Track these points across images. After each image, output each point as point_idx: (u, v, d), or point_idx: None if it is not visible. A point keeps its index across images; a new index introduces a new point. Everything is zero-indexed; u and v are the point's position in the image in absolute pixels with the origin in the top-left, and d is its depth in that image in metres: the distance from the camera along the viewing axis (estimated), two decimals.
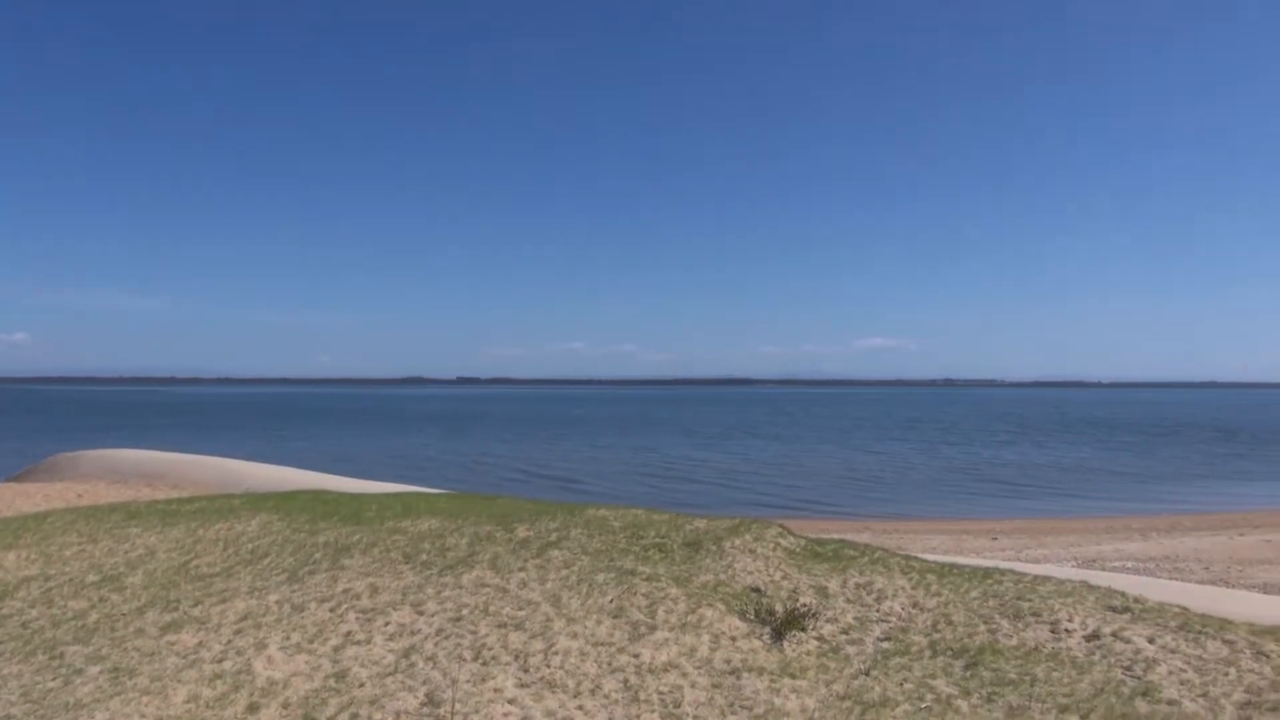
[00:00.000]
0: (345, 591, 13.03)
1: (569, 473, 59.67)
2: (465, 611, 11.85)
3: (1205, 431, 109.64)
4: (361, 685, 9.79)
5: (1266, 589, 20.98)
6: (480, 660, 10.30)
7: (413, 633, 11.29)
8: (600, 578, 13.04)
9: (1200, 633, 10.40)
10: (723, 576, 13.40)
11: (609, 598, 12.16)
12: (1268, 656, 9.61)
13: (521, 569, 13.65)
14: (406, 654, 10.60)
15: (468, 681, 9.74)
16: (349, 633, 11.37)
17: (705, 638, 10.86)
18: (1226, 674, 9.16)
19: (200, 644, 11.34)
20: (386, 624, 11.60)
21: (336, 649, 10.85)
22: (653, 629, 11.05)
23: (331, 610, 12.25)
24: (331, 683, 9.90)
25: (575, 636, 10.84)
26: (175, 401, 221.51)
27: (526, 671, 9.97)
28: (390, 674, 10.06)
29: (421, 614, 11.89)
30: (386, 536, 16.30)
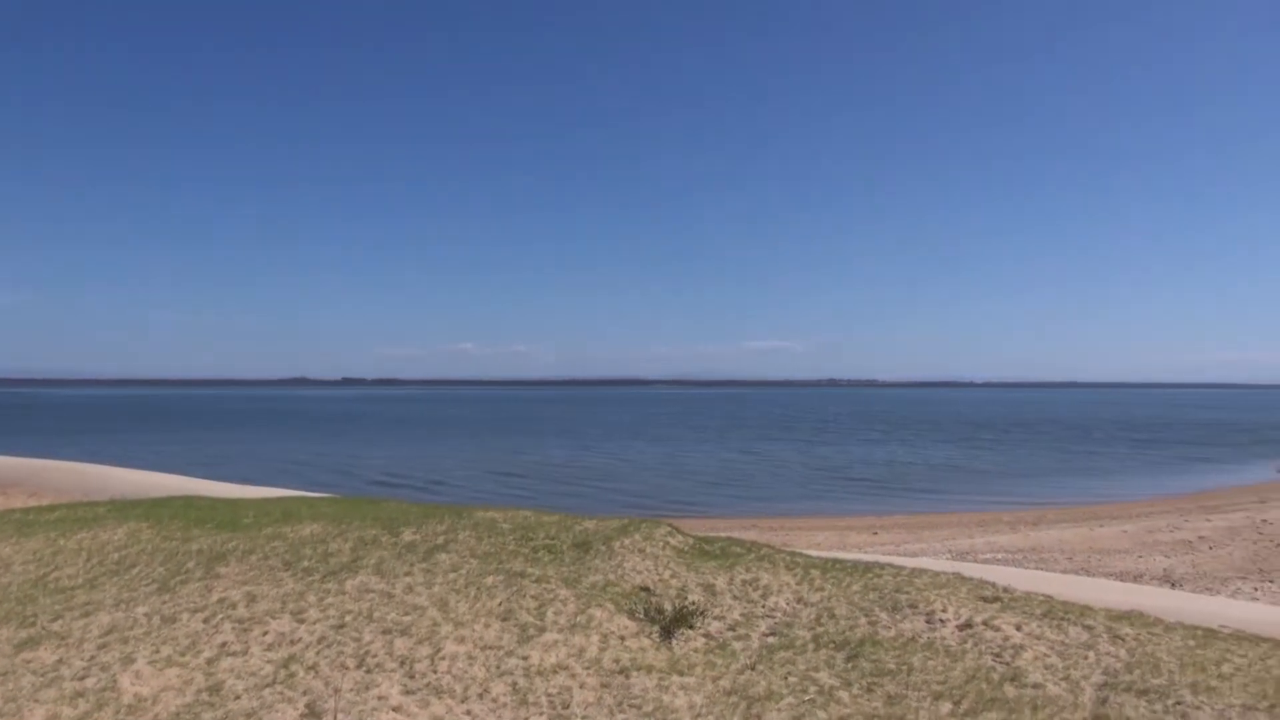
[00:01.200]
0: (220, 601, 12.51)
1: (444, 476, 58.68)
2: (349, 618, 11.54)
3: (1063, 429, 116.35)
4: (238, 698, 9.41)
5: (1122, 576, 22.32)
6: (364, 668, 10.04)
7: (293, 641, 10.92)
8: (489, 580, 12.90)
9: (1063, 619, 11.00)
10: (612, 576, 13.44)
11: (498, 600, 12.04)
12: (1123, 640, 10.23)
13: (408, 573, 13.38)
14: (286, 664, 10.25)
15: (351, 690, 9.49)
16: (224, 644, 10.92)
17: (595, 638, 10.87)
18: (1086, 657, 9.70)
19: (60, 661, 10.70)
20: (265, 633, 11.19)
21: (210, 661, 10.41)
22: (542, 631, 11.00)
23: (205, 621, 11.74)
24: (205, 696, 9.49)
25: (463, 641, 10.69)
26: (35, 404, 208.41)
27: (412, 678, 9.78)
28: (269, 685, 9.71)
29: (302, 622, 11.51)
30: (265, 543, 15.73)
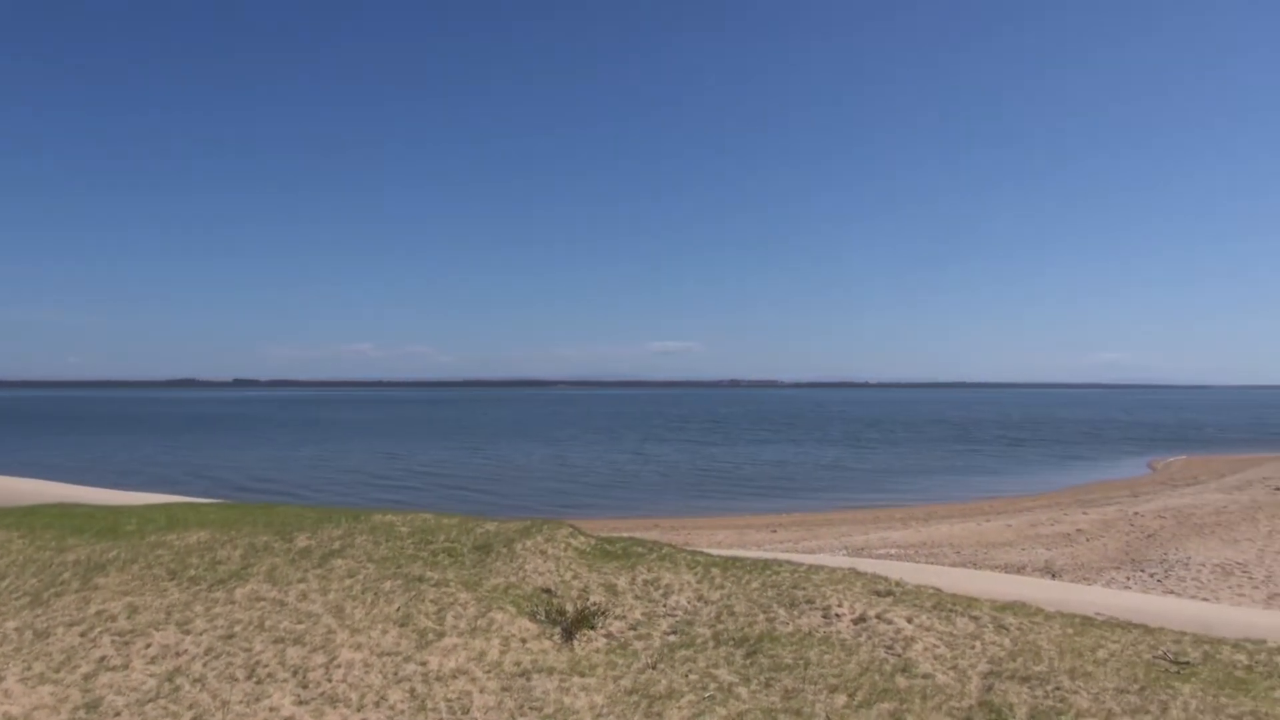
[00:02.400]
0: (99, 613, 11.91)
1: (338, 479, 57.23)
2: (238, 628, 11.14)
3: (949, 428, 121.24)
4: (117, 714, 8.99)
5: (1006, 568, 23.28)
6: (255, 679, 9.71)
7: (178, 654, 10.48)
8: (387, 585, 12.64)
9: (951, 611, 11.41)
10: (514, 579, 13.33)
11: (396, 606, 11.81)
12: (1007, 629, 10.67)
13: (301, 580, 13.00)
14: (170, 677, 9.84)
15: (240, 702, 9.16)
16: (103, 658, 10.40)
17: (495, 641, 10.76)
18: (973, 647, 10.08)
19: None
20: (148, 646, 10.71)
21: (88, 677, 9.91)
22: (441, 635, 10.84)
23: (83, 635, 11.17)
24: (82, 714, 9.03)
25: (359, 648, 10.45)
26: None
27: (306, 687, 9.51)
28: (151, 700, 9.30)
29: (188, 633, 11.06)
30: (149, 551, 15.05)
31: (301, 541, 15.20)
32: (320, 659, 10.14)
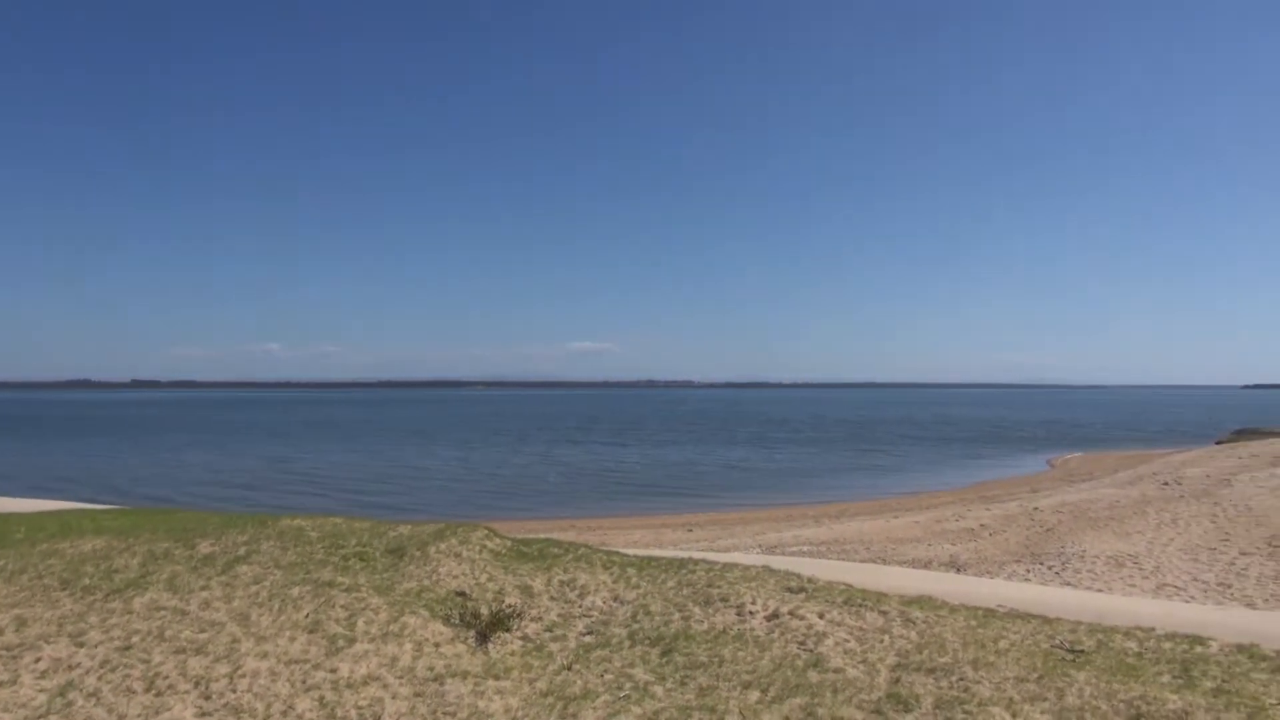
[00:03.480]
0: None
1: (241, 482, 55.54)
2: (136, 639, 10.71)
3: (858, 427, 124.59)
4: None
5: (914, 563, 23.91)
6: (154, 691, 9.35)
7: (71, 667, 10.02)
8: (295, 591, 12.31)
9: (861, 606, 11.67)
10: (427, 582, 13.14)
11: (304, 612, 11.51)
12: (914, 623, 10.96)
13: (204, 588, 12.57)
14: (63, 692, 9.40)
15: (138, 716, 8.82)
16: None
17: (408, 646, 10.58)
18: (882, 640, 10.32)
19: None
20: (38, 660, 10.21)
21: None
22: (352, 641, 10.61)
23: None
24: None
25: (265, 656, 10.15)
26: None
27: (208, 699, 9.19)
28: (41, 717, 8.88)
29: (82, 645, 10.59)
30: (39, 561, 14.36)
31: (204, 548, 14.70)
32: (224, 669, 9.82)
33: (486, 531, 15.92)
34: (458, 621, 11.47)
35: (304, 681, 9.56)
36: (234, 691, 9.33)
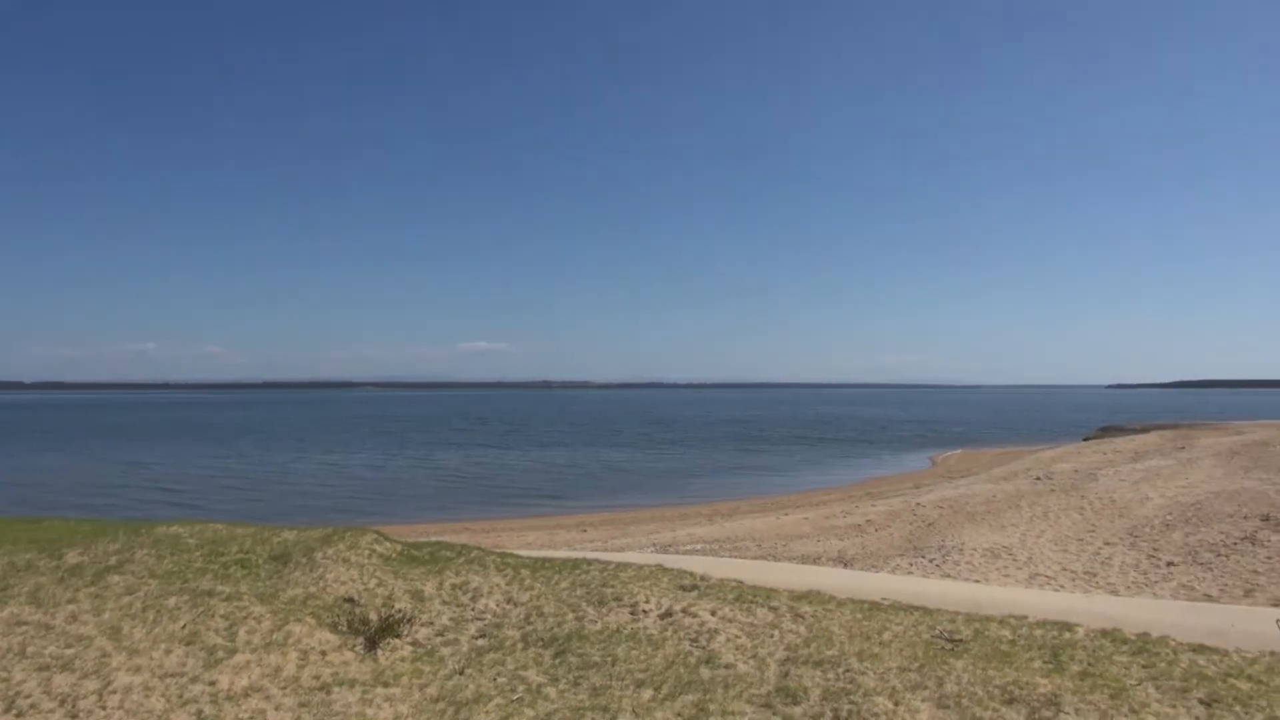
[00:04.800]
0: None
1: (109, 489, 52.76)
2: None
3: (747, 426, 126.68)
4: None
5: (803, 559, 24.45)
6: (14, 711, 8.79)
7: None
8: (171, 602, 11.77)
9: (752, 602, 11.88)
10: (313, 589, 12.75)
11: (181, 623, 11.01)
12: (803, 617, 11.22)
13: (71, 600, 11.89)
14: None
15: None
16: None
17: (293, 655, 10.25)
18: (772, 635, 10.53)
19: None
20: None
21: None
22: (233, 652, 10.21)
23: None
24: None
25: (139, 670, 9.67)
26: None
27: (75, 717, 8.70)
28: None
29: None
30: None
31: (72, 558, 13.91)
32: (93, 685, 9.31)
33: (376, 536, 15.56)
34: (345, 628, 11.17)
35: (180, 695, 9.15)
36: (103, 709, 8.86)
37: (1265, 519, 25.11)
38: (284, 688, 9.42)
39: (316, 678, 9.71)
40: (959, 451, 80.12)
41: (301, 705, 9.03)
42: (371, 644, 10.77)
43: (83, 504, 44.80)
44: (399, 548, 15.22)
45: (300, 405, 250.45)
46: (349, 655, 10.46)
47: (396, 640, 10.99)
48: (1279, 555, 20.87)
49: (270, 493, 51.95)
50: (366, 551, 14.50)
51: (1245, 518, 26.00)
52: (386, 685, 9.57)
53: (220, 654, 10.13)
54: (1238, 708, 7.87)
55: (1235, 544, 22.59)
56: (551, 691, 9.21)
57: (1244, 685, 8.53)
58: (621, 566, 14.15)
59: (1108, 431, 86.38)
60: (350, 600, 12.42)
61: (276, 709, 8.94)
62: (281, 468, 66.77)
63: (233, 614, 11.29)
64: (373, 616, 11.42)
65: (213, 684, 9.41)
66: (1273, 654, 9.63)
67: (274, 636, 10.70)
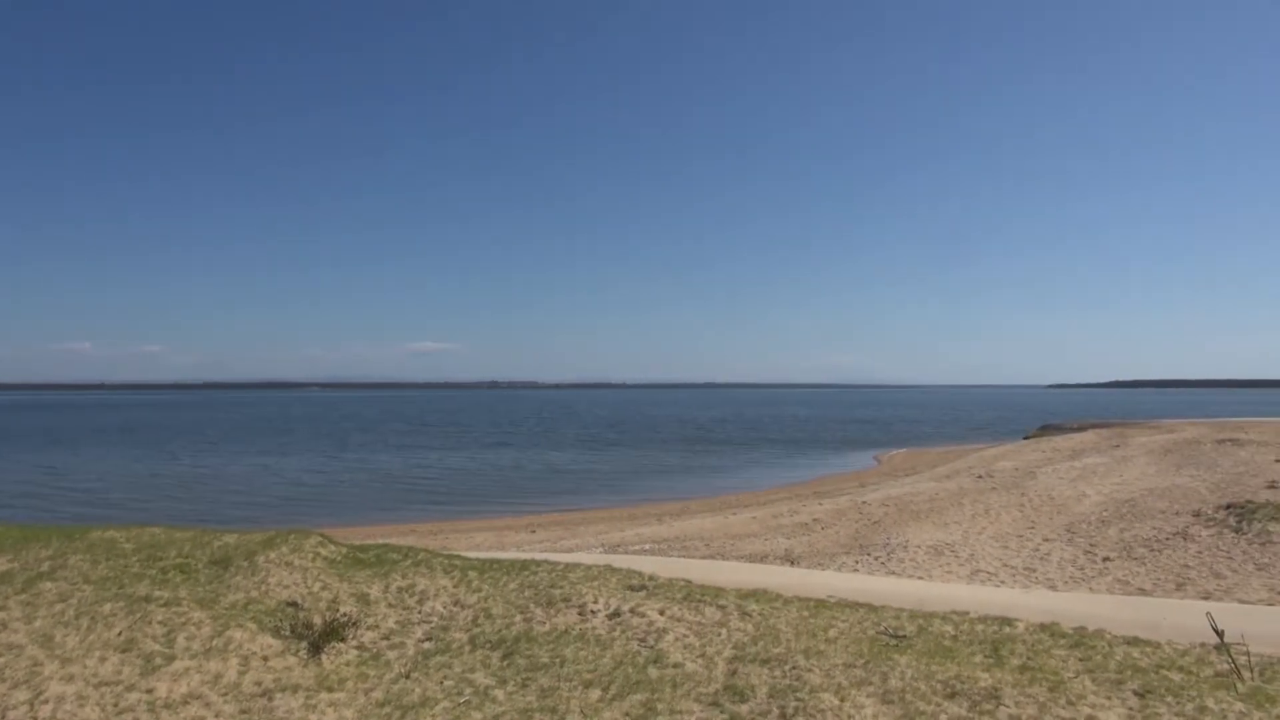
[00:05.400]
0: None
1: (38, 492, 51.17)
2: None
3: (688, 426, 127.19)
4: None
5: (751, 558, 24.63)
6: None
7: None
8: (106, 608, 11.45)
9: (700, 601, 11.93)
10: (255, 594, 12.51)
11: (116, 630, 10.72)
12: (750, 615, 11.30)
13: (1, 608, 11.51)
14: None
15: None
16: None
17: (234, 661, 10.04)
18: (720, 634, 10.59)
19: None
20: None
21: None
22: (171, 659, 9.97)
23: None
24: None
25: (72, 680, 9.40)
26: None
27: None
28: None
29: None
30: None
31: (1, 565, 13.48)
32: (23, 695, 9.03)
33: (320, 538, 15.32)
34: (289, 633, 10.98)
35: (116, 705, 8.92)
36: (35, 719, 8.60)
37: (1196, 515, 25.89)
38: (224, 694, 9.23)
39: (258, 684, 9.53)
40: (904, 450, 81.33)
41: (243, 712, 8.85)
42: (315, 648, 10.60)
43: (5, 509, 43.39)
44: (344, 550, 15.01)
45: (242, 406, 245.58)
46: (292, 660, 10.28)
47: (341, 644, 10.83)
48: (1209, 550, 21.53)
49: (209, 496, 50.67)
50: (310, 554, 14.27)
51: (1177, 514, 26.77)
52: (331, 690, 9.43)
53: (158, 661, 9.89)
54: (1170, 698, 8.09)
55: (1168, 539, 23.25)
56: (499, 694, 9.16)
57: (1176, 676, 8.78)
58: (570, 567, 14.12)
59: (1047, 430, 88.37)
60: (294, 604, 12.21)
61: (217, 716, 8.75)
62: (219, 470, 65.10)
63: (171, 620, 11.03)
64: (317, 620, 11.25)
65: (150, 692, 9.19)
66: (1203, 646, 9.93)
67: (214, 642, 10.47)
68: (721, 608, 11.62)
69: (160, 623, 10.94)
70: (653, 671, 9.44)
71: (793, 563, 23.39)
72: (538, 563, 14.61)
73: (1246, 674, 8.83)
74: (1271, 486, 29.93)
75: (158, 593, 12.13)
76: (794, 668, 9.20)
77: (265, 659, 10.21)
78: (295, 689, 9.40)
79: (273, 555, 14.00)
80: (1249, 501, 26.11)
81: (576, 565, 14.35)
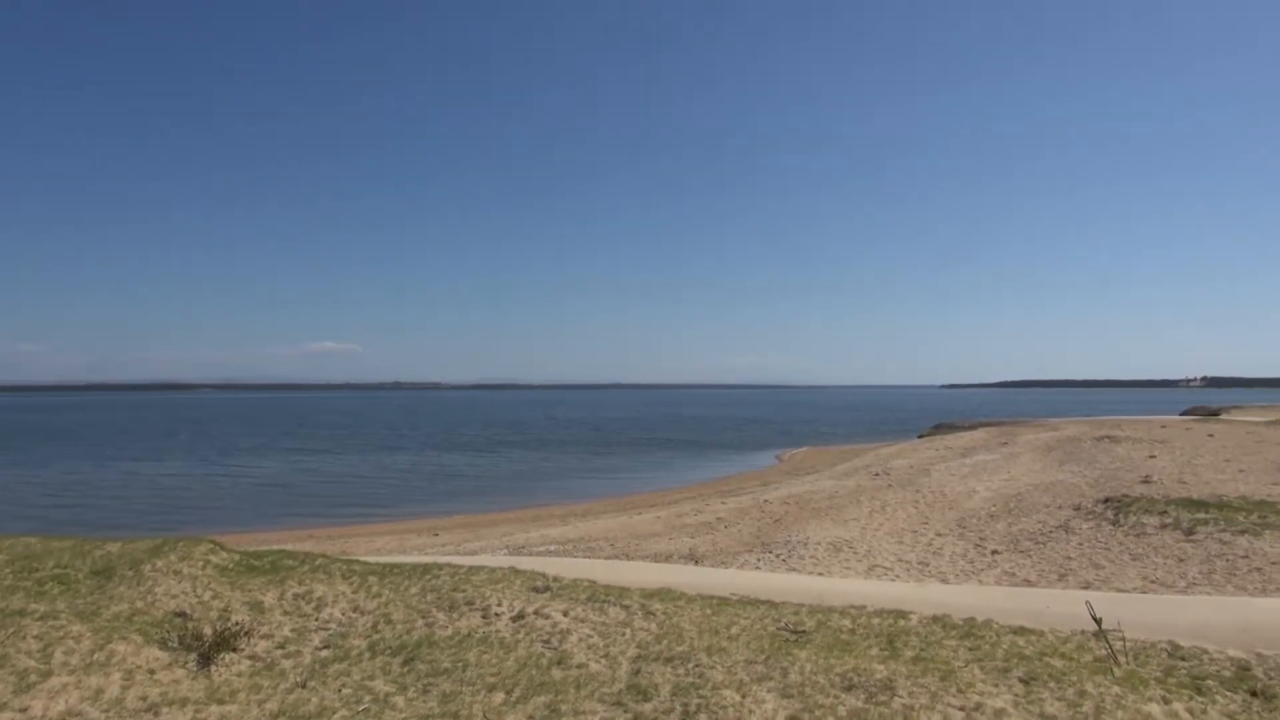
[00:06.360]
0: None
1: None
2: None
3: (590, 428, 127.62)
4: None
5: (656, 557, 24.78)
6: None
7: None
8: None
9: (604, 601, 11.94)
10: (141, 604, 11.98)
11: None
12: (654, 615, 11.37)
13: None
14: None
15: None
16: None
17: (117, 676, 9.59)
18: (624, 634, 10.62)
19: None
20: None
21: None
22: (48, 675, 9.45)
23: None
24: None
25: None
26: None
27: None
28: None
29: None
30: None
31: None
32: None
33: (211, 545, 14.77)
34: (176, 645, 10.54)
35: None
36: None
37: (1077, 509, 27.15)
38: (106, 711, 8.81)
39: (143, 698, 9.12)
40: (804, 449, 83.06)
41: None
42: (205, 660, 10.20)
43: None
44: (237, 557, 14.51)
45: (126, 409, 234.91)
46: (180, 673, 9.87)
47: (233, 655, 10.45)
48: (1089, 542, 22.61)
49: (83, 504, 48.22)
50: (200, 562, 13.75)
51: (1060, 508, 28.04)
52: (221, 703, 9.09)
53: (33, 678, 9.37)
54: (1052, 684, 8.47)
55: (1051, 532, 24.33)
56: (400, 700, 8.99)
57: (1058, 663, 9.20)
58: (474, 570, 13.96)
59: (940, 429, 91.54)
60: (182, 614, 11.74)
61: None
62: (92, 477, 61.90)
63: (48, 634, 10.47)
64: (207, 631, 10.83)
65: (24, 710, 8.70)
66: (1083, 633, 10.43)
67: (95, 657, 9.98)
68: (626, 607, 11.66)
69: (36, 637, 10.37)
70: (557, 673, 9.40)
71: (696, 561, 23.62)
72: (440, 566, 14.40)
73: (1122, 659, 9.31)
74: (1145, 481, 31.61)
75: (33, 606, 11.51)
76: (697, 665, 9.29)
77: (151, 672, 9.79)
78: (183, 702, 9.04)
79: (160, 564, 13.44)
80: (1125, 495, 27.55)
81: (480, 568, 14.20)
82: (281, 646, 10.91)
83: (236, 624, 11.20)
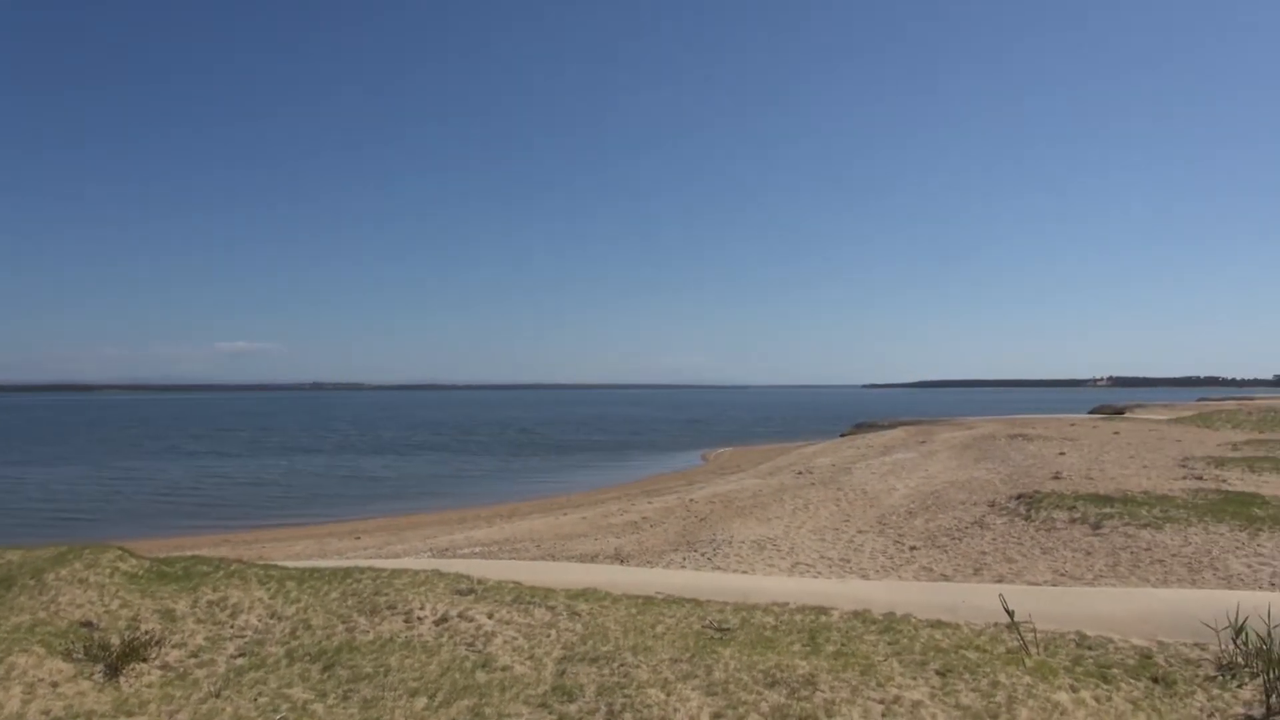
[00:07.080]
0: None
1: None
2: None
3: (515, 428, 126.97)
4: None
5: (582, 558, 24.74)
6: None
7: None
8: None
9: (530, 603, 11.87)
10: (43, 615, 11.48)
11: None
12: (580, 615, 11.34)
13: None
14: None
15: None
16: None
17: (17, 690, 9.18)
18: (549, 635, 10.57)
19: None
20: None
21: None
22: None
23: None
24: None
25: None
26: None
27: None
28: None
29: None
30: None
31: None
32: None
33: (120, 552, 14.23)
34: (82, 656, 10.13)
35: None
36: None
37: (991, 505, 27.97)
38: None
39: (46, 712, 8.75)
40: (730, 449, 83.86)
41: None
42: (113, 671, 9.83)
43: None
44: (147, 564, 14.00)
45: (17, 411, 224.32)
46: (86, 685, 9.49)
47: (143, 665, 10.09)
48: (1002, 537, 23.31)
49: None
50: (108, 570, 13.23)
51: (975, 504, 28.86)
52: (130, 715, 8.78)
53: None
54: (967, 675, 8.71)
55: (967, 528, 25.02)
56: (319, 708, 8.79)
57: (972, 655, 9.46)
58: (396, 573, 13.73)
59: (861, 428, 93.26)
60: (88, 624, 11.29)
61: None
62: None
63: None
64: (115, 640, 10.43)
65: None
66: (996, 625, 10.75)
67: None
68: (551, 608, 11.61)
69: None
70: (481, 676, 9.32)
71: (622, 561, 23.65)
72: (361, 570, 14.12)
73: (1034, 649, 9.63)
74: (1056, 478, 32.70)
75: None
76: (622, 665, 9.30)
77: (55, 685, 9.39)
78: (89, 715, 8.70)
79: (64, 572, 12.89)
80: (1036, 491, 28.48)
81: (402, 571, 13.97)
82: (195, 655, 10.57)
83: (146, 633, 10.81)
